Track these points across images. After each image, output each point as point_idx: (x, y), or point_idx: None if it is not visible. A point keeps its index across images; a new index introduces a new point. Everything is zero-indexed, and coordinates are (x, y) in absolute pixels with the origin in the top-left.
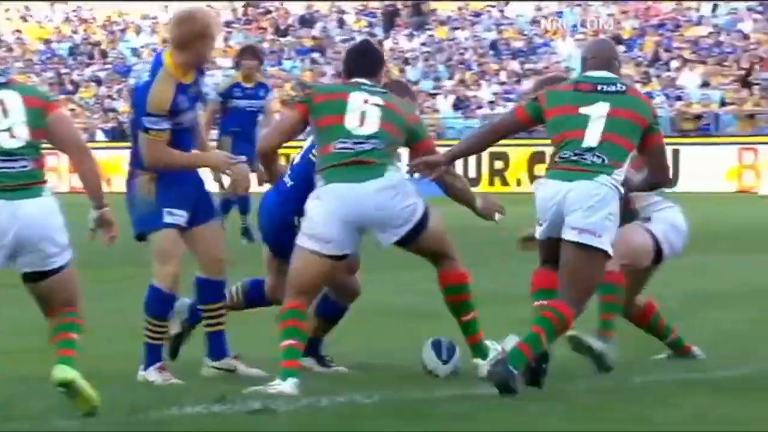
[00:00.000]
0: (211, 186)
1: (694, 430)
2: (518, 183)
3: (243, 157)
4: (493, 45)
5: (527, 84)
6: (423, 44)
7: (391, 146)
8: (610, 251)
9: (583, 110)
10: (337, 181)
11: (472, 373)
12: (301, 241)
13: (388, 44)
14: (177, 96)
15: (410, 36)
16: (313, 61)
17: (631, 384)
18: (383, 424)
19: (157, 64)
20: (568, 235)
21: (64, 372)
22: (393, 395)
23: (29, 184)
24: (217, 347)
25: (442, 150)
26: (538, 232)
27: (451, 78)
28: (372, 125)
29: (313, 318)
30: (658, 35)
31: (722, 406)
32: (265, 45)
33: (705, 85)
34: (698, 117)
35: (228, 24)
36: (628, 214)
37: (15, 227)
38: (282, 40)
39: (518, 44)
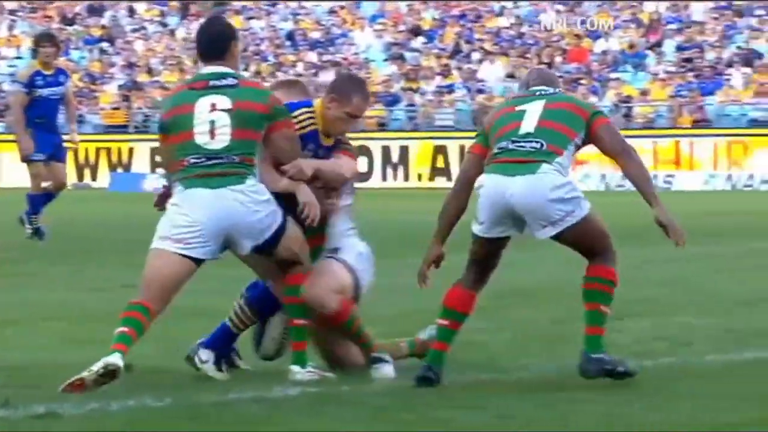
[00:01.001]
0: None
1: (498, 431)
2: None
3: (42, 156)
4: (290, 35)
5: (326, 75)
6: None
7: (247, 153)
8: (588, 206)
9: (520, 108)
10: (197, 187)
11: (266, 376)
12: (162, 245)
13: (180, 33)
14: None
15: None
16: (102, 51)
17: (432, 386)
18: (174, 428)
19: None
20: (551, 231)
21: None
22: (185, 398)
23: None
24: None
25: None
26: (478, 229)
27: (246, 69)
28: (223, 138)
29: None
30: (459, 26)
31: (527, 408)
32: None
33: (509, 77)
34: None
35: (12, 12)
36: (316, 249)
37: None
38: (69, 29)
39: (316, 35)
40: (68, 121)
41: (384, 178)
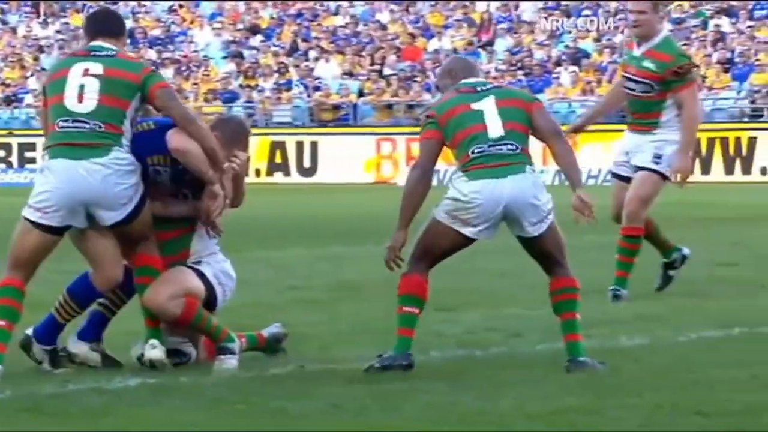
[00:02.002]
0: None
1: (331, 419)
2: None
3: None
4: (131, 33)
5: (165, 72)
6: (58, 32)
7: (114, 121)
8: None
9: (475, 106)
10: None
11: (106, 367)
12: (25, 212)
13: (21, 31)
14: None
15: (44, 23)
16: None
17: (265, 376)
18: (13, 420)
19: None
20: (541, 228)
21: None
22: (23, 390)
23: None
24: None
25: None
26: (470, 232)
27: None
28: (90, 102)
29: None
30: (296, 25)
31: (358, 397)
32: None
33: (345, 75)
34: (337, 107)
35: None
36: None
37: None
38: None
39: (156, 32)
40: None
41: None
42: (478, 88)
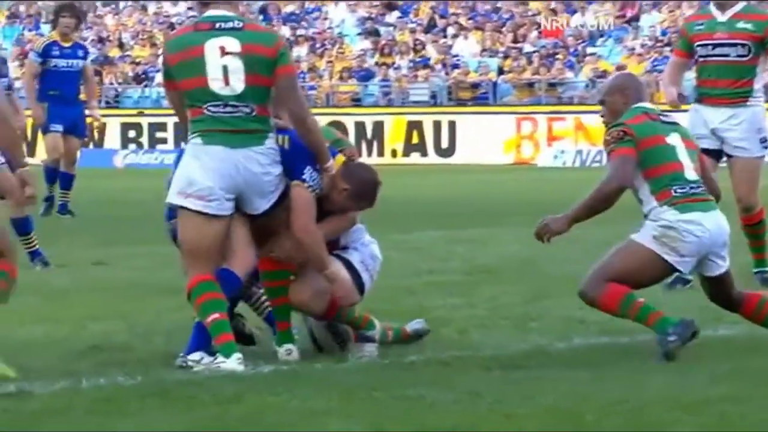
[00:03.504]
0: None
1: (469, 407)
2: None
3: (60, 127)
4: (263, 10)
5: (299, 50)
6: (189, 8)
7: (262, 102)
8: None
9: (669, 140)
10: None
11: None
12: (182, 201)
13: (151, 8)
14: None
15: (175, 0)
16: None
17: (402, 363)
18: (144, 406)
19: None
20: (724, 267)
21: None
22: (155, 376)
23: None
24: None
25: None
26: (676, 262)
27: None
28: (237, 83)
29: None
30: (433, 0)
31: (495, 385)
32: None
33: (484, 52)
34: (475, 86)
35: None
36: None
37: None
38: (39, 3)
39: (289, 8)
40: (88, 98)
41: (358, 153)
42: (662, 118)
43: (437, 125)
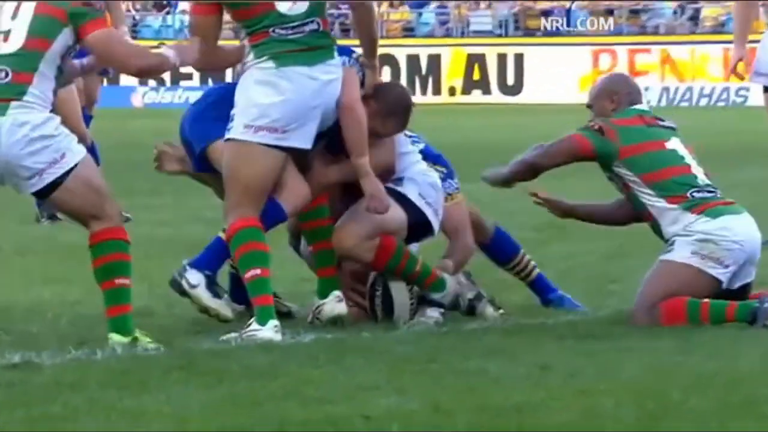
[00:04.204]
0: None
1: (539, 381)
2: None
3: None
4: None
5: None
6: None
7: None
8: None
9: (669, 145)
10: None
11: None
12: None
13: None
14: None
15: None
16: None
17: (462, 331)
18: (163, 380)
19: None
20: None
21: None
22: (178, 345)
23: None
24: None
25: None
26: (719, 273)
27: None
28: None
29: None
30: None
31: (568, 357)
32: None
33: None
34: (546, 14)
35: None
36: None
37: None
38: None
39: None
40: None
41: (411, 92)
42: (660, 123)
43: (502, 59)
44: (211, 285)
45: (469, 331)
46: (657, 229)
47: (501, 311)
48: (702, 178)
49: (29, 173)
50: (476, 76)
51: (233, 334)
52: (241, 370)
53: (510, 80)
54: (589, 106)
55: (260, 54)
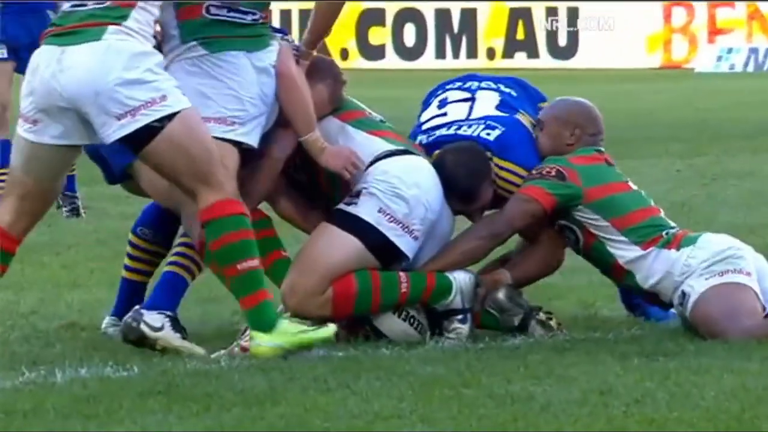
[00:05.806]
0: None
1: (596, 412)
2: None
3: None
4: None
5: None
6: None
7: None
8: None
9: (632, 185)
10: None
11: None
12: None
13: None
14: None
15: None
16: None
17: (502, 348)
18: (143, 408)
19: None
20: None
21: None
22: (156, 366)
23: None
24: None
25: None
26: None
27: None
28: None
29: None
30: None
31: (633, 379)
32: None
33: None
34: None
35: None
36: None
37: None
38: None
39: None
40: None
41: (441, 54)
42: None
43: (552, 14)
44: (176, 325)
45: (511, 347)
46: (629, 283)
47: (554, 322)
48: (668, 220)
49: (121, 110)
50: (520, 35)
51: (222, 352)
52: (233, 395)
53: (562, 41)
54: (539, 122)
55: (189, 36)
